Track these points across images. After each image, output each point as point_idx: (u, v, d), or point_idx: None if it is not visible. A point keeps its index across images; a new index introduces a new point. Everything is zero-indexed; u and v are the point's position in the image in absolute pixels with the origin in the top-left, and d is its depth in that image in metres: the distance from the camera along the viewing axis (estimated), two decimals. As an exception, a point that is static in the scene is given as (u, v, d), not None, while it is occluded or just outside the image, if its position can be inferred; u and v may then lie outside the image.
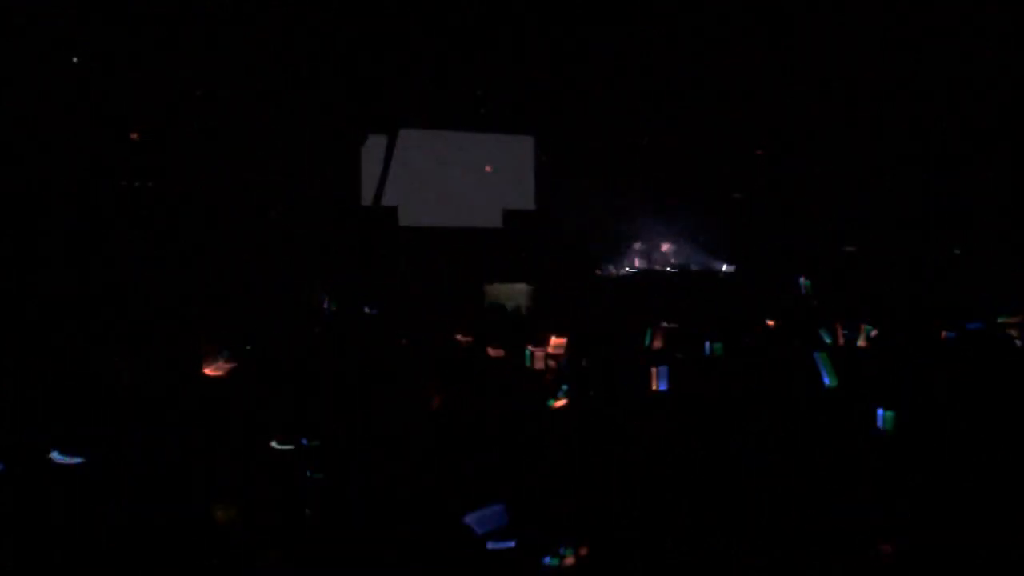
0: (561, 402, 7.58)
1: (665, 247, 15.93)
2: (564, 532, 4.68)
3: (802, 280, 15.20)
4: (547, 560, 4.49)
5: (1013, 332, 9.99)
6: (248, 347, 8.75)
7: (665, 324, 11.56)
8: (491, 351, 10.98)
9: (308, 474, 5.00)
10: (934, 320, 10.89)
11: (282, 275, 14.04)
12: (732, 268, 15.46)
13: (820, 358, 7.47)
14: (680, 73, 15.09)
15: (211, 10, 12.76)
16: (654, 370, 7.87)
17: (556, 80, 15.37)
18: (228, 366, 7.88)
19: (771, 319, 11.71)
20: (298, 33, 13.19)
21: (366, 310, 12.44)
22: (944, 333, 9.62)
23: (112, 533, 4.10)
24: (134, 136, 13.33)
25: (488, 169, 17.02)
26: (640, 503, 4.88)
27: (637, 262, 16.01)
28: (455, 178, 16.56)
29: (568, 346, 10.29)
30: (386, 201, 15.14)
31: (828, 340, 9.65)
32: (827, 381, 7.24)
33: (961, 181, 14.53)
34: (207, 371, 8.48)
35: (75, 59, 12.88)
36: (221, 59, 13.44)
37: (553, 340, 10.52)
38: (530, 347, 10.43)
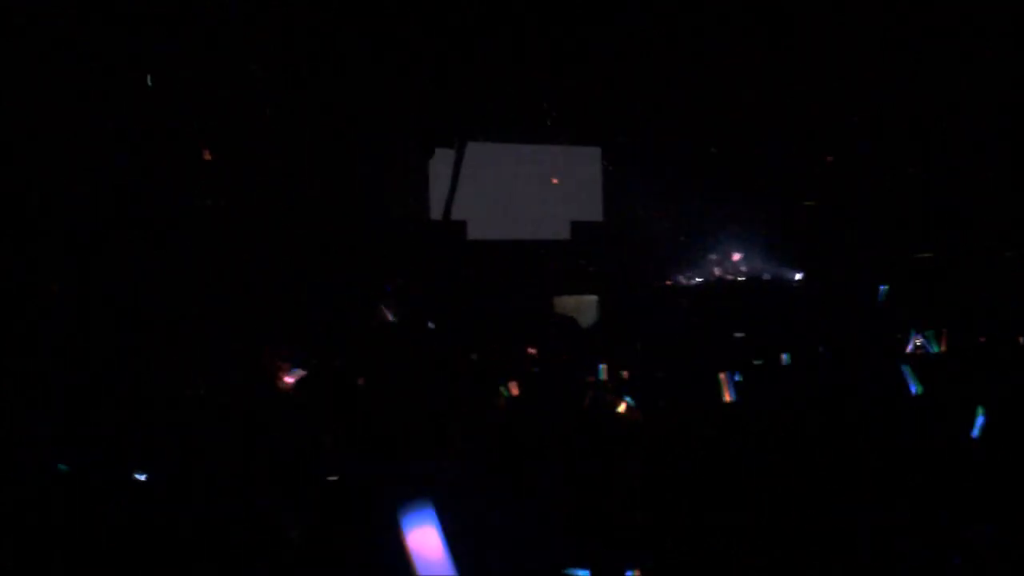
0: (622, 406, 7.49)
1: (736, 256, 15.73)
2: (631, 552, 4.59)
3: (881, 288, 14.87)
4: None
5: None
6: (314, 360, 8.79)
7: (738, 335, 11.40)
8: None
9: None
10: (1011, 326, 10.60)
11: (350, 289, 14.19)
12: (804, 276, 15.18)
13: (906, 369, 7.26)
14: (746, 82, 14.91)
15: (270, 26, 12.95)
16: (723, 378, 7.73)
17: (623, 90, 15.30)
18: (296, 376, 7.94)
19: (848, 328, 11.46)
20: (362, 48, 13.32)
21: (430, 324, 12.47)
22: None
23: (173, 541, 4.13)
24: (207, 156, 13.58)
25: (555, 181, 17.00)
26: (708, 519, 4.78)
27: (708, 272, 15.83)
28: (523, 191, 16.58)
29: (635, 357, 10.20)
30: (455, 215, 15.21)
31: (934, 348, 9.40)
32: (913, 389, 7.05)
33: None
34: (279, 381, 8.57)
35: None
36: (285, 72, 13.66)
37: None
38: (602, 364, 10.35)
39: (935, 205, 14.98)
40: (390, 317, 12.44)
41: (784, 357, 9.53)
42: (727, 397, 7.82)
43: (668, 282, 15.70)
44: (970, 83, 14.15)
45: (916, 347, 9.56)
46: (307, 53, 13.35)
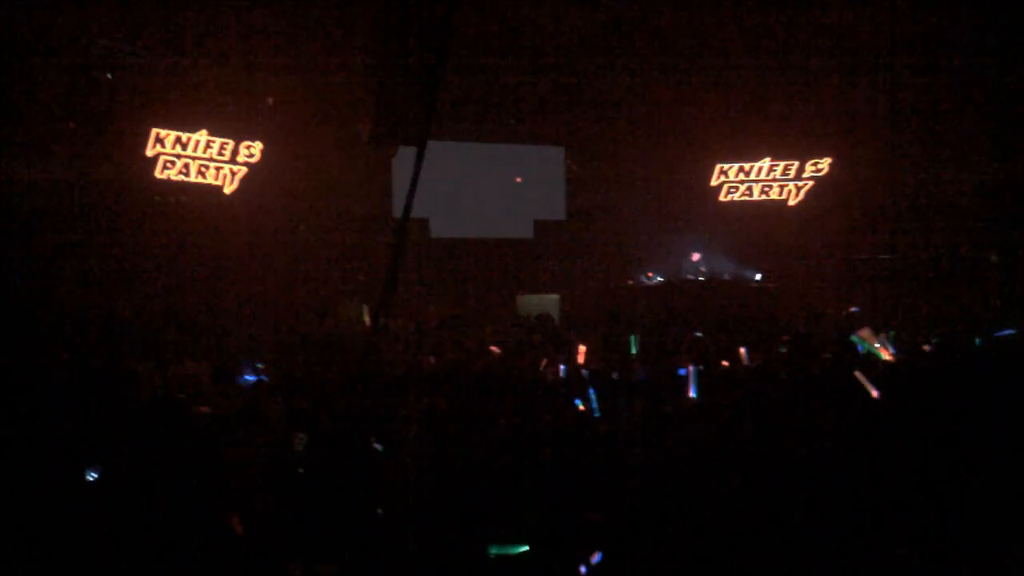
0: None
1: (695, 256, 15.87)
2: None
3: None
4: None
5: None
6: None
7: (698, 334, 11.51)
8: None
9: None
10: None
11: (313, 287, 14.18)
12: (762, 276, 15.36)
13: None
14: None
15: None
16: (688, 373, 7.82)
17: (588, 90, 15.38)
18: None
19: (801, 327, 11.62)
20: (325, 46, 13.30)
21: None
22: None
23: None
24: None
25: (518, 180, 17.05)
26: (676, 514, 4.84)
27: (670, 271, 15.94)
28: (486, 189, 16.61)
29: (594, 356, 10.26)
30: (416, 213, 15.15)
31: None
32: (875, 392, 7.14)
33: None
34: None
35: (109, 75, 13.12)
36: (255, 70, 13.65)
37: (581, 349, 10.49)
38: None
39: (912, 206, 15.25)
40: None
41: (743, 353, 9.62)
42: (689, 393, 7.91)
43: (630, 281, 15.79)
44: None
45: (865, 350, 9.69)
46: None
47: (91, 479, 4.77)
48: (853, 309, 14.04)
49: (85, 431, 5.07)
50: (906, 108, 14.83)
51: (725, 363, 9.49)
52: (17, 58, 12.13)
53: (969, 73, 13.78)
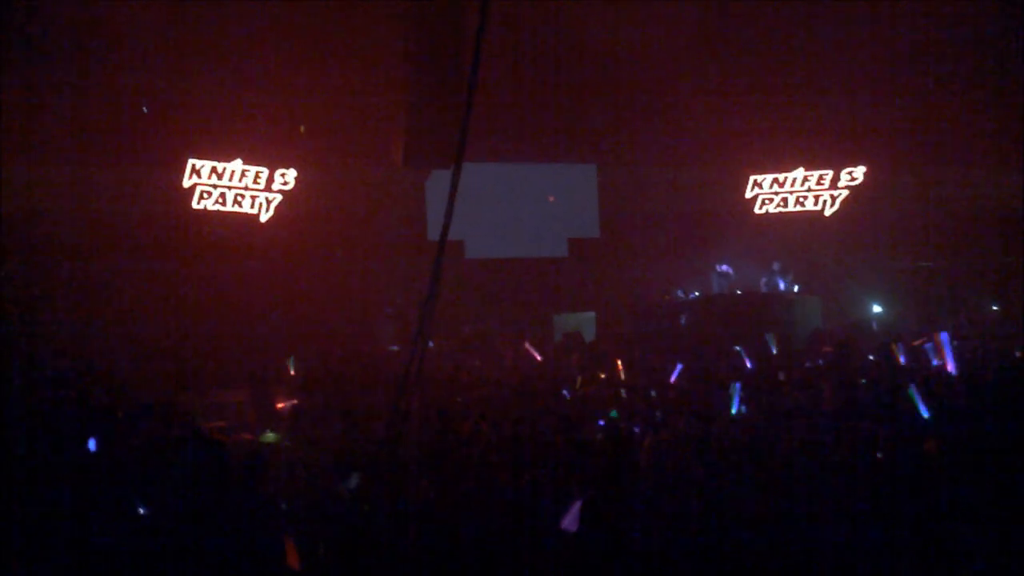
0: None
1: (725, 269, 15.78)
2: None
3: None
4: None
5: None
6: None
7: (737, 348, 11.42)
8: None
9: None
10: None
11: (350, 312, 14.24)
12: (800, 289, 15.21)
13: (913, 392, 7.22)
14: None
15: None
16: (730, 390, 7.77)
17: (619, 107, 15.36)
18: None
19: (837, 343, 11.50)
20: (357, 73, 13.38)
21: (430, 344, 12.48)
22: None
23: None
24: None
25: (552, 199, 17.05)
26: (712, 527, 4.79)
27: (708, 286, 15.83)
28: (520, 209, 16.63)
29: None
30: (451, 235, 15.16)
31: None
32: (925, 413, 7.01)
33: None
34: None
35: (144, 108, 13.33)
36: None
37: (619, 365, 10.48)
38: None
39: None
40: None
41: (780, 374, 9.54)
42: (732, 409, 7.85)
43: (666, 297, 15.71)
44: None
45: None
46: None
47: (141, 512, 4.80)
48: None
49: (128, 464, 5.11)
50: (940, 115, 14.68)
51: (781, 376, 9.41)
52: (55, 92, 12.36)
53: (1007, 79, 13.62)
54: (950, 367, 9.09)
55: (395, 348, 12.63)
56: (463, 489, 5.17)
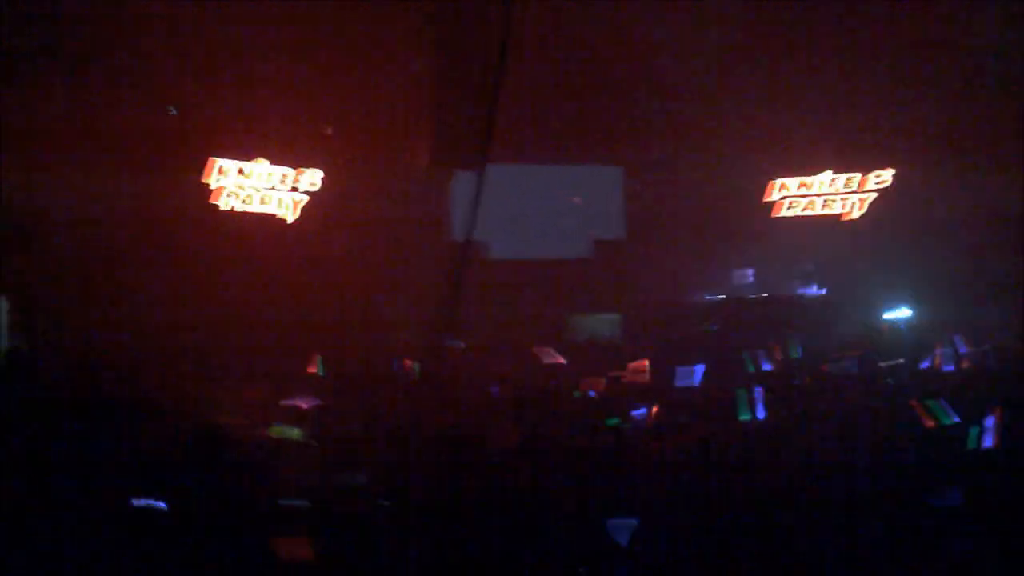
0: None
1: (747, 273, 15.70)
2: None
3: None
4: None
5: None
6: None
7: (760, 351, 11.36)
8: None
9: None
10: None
11: (375, 313, 14.29)
12: (822, 292, 15.12)
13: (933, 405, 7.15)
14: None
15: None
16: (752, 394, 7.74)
17: (646, 110, 15.34)
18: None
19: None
20: (383, 73, 13.43)
21: (457, 344, 12.53)
22: None
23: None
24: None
25: (577, 200, 17.02)
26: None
27: (730, 289, 15.77)
28: (545, 210, 16.61)
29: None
30: (476, 236, 15.20)
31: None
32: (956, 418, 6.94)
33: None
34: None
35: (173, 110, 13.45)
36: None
37: (631, 365, 10.44)
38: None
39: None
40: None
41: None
42: (755, 413, 7.82)
43: (692, 299, 15.66)
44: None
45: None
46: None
47: (157, 508, 4.84)
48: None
49: (150, 461, 5.15)
50: (970, 117, 14.54)
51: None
52: (82, 93, 12.50)
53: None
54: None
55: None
56: (479, 488, 5.19)
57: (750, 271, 15.47)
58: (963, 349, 9.53)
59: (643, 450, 5.92)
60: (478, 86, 11.82)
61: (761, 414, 7.75)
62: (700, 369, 9.95)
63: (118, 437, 5.46)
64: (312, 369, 10.89)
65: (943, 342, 10.20)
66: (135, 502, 4.68)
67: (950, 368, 9.46)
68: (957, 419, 6.89)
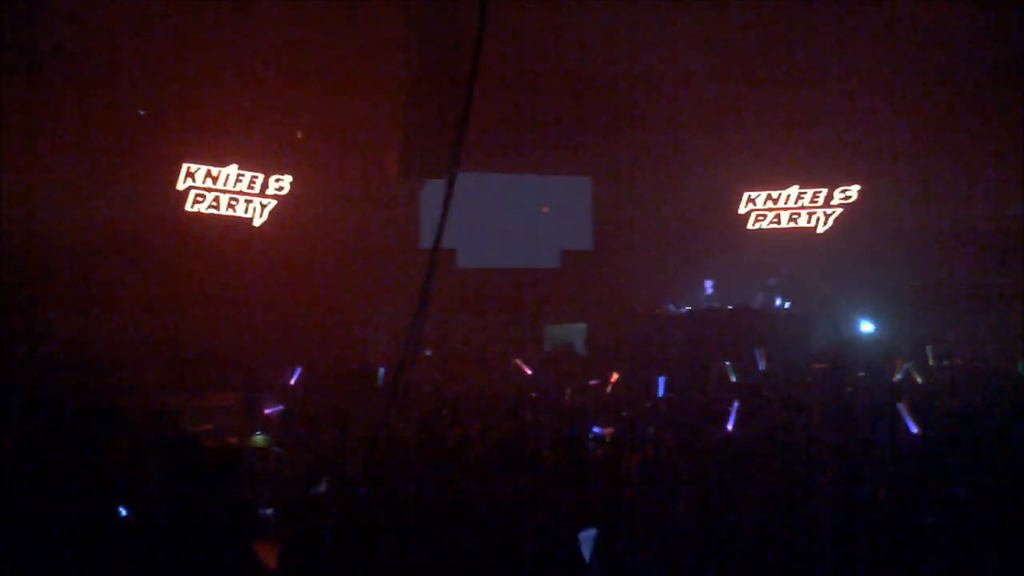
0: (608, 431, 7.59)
1: (708, 286, 15.85)
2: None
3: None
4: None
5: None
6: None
7: (727, 363, 11.44)
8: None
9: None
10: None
11: (342, 318, 14.22)
12: (788, 304, 15.25)
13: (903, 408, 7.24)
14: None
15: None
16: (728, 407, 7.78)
17: (614, 119, 15.40)
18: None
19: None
20: (354, 80, 13.39)
21: (427, 353, 12.52)
22: None
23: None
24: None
25: (545, 209, 17.08)
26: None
27: (698, 300, 15.88)
28: (514, 219, 16.65)
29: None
30: (444, 243, 15.13)
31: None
32: (914, 428, 7.03)
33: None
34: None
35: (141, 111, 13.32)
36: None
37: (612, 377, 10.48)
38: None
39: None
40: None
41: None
42: (727, 426, 7.85)
43: (657, 310, 15.74)
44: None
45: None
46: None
47: (123, 515, 4.78)
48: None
49: (116, 467, 5.10)
50: (935, 134, 14.74)
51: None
52: (49, 92, 12.34)
53: (1005, 98, 13.70)
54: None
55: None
56: (447, 499, 5.17)
57: (708, 287, 15.71)
58: (933, 363, 9.67)
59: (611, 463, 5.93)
60: (449, 94, 11.87)
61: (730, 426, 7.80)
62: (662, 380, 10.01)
63: (86, 446, 5.39)
64: (281, 376, 10.84)
65: (912, 355, 10.32)
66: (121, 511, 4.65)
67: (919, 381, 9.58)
68: (914, 428, 7.00)
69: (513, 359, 12.17)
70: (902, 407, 7.15)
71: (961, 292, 14.77)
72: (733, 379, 10.75)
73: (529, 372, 11.95)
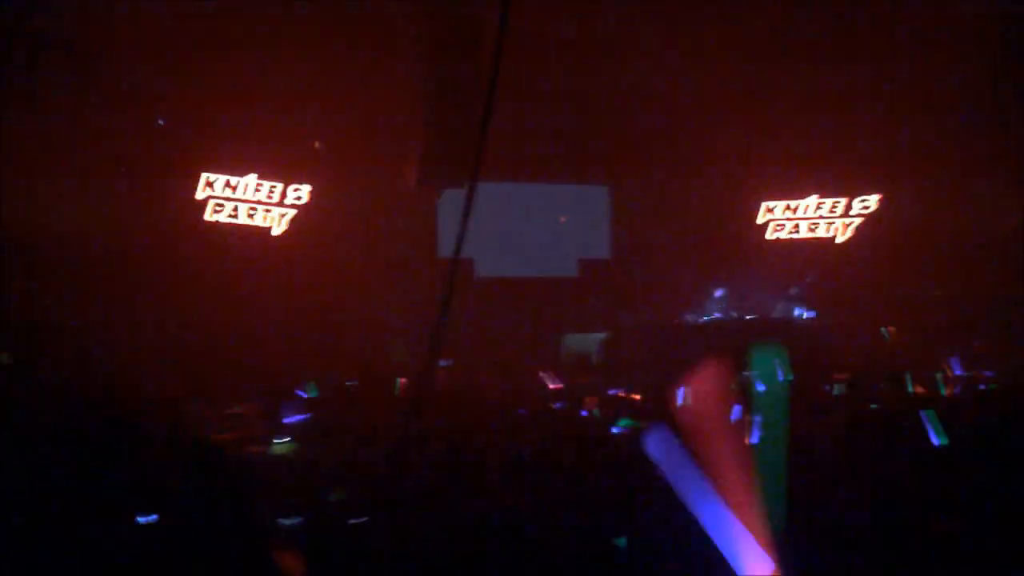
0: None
1: (718, 293, 15.79)
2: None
3: (883, 329, 14.87)
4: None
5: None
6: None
7: (747, 373, 11.36)
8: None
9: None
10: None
11: (361, 328, 14.24)
12: (812, 315, 15.17)
13: (928, 416, 7.15)
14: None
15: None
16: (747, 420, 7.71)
17: (632, 130, 15.39)
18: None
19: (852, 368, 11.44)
20: (373, 90, 13.43)
21: (442, 363, 12.48)
22: None
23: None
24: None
25: (563, 219, 17.08)
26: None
27: (718, 310, 15.81)
28: (531, 229, 16.66)
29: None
30: (463, 254, 15.15)
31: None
32: (936, 441, 6.95)
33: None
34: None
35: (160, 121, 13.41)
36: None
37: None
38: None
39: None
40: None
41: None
42: (748, 439, 7.79)
43: (676, 321, 15.69)
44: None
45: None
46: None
47: (143, 522, 4.79)
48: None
49: (137, 475, 5.11)
50: (956, 144, 14.66)
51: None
52: (69, 102, 12.43)
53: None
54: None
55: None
56: (471, 511, 5.16)
57: (732, 292, 15.61)
58: (958, 373, 9.57)
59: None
60: (468, 104, 11.88)
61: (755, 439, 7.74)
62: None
63: (108, 453, 5.40)
64: (302, 387, 10.85)
65: (938, 366, 10.23)
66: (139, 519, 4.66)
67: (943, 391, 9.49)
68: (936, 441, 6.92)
69: (537, 370, 12.12)
70: (925, 417, 7.07)
71: (984, 303, 14.64)
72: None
73: (552, 385, 11.89)
